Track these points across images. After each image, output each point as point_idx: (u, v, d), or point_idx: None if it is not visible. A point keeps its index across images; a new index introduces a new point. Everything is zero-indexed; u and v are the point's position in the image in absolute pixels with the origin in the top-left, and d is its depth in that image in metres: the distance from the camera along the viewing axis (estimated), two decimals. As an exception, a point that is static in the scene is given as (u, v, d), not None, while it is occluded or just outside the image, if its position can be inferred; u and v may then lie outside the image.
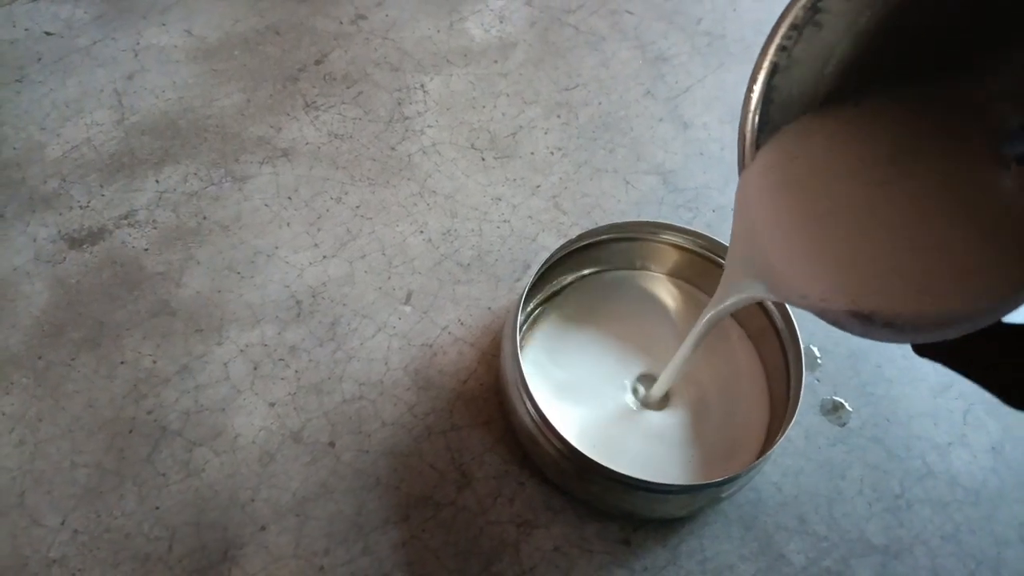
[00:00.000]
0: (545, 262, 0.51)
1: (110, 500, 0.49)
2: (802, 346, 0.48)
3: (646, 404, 0.51)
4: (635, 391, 0.52)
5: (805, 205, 0.26)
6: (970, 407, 0.56)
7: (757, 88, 0.28)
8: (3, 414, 0.52)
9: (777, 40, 0.26)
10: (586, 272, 0.56)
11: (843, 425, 0.55)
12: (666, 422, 0.51)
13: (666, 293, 0.56)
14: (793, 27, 0.26)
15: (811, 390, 0.56)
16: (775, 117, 0.29)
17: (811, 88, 0.28)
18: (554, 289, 0.56)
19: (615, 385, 0.52)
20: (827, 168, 0.26)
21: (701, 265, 0.55)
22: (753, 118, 0.29)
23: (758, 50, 0.29)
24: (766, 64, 0.27)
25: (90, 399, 0.53)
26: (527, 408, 0.47)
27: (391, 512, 0.49)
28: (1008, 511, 0.52)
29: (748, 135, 0.29)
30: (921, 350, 0.21)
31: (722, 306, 0.37)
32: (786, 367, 0.51)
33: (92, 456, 0.51)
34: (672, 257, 0.56)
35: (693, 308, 0.56)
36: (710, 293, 0.52)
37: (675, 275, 0.57)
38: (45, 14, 0.71)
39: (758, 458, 0.46)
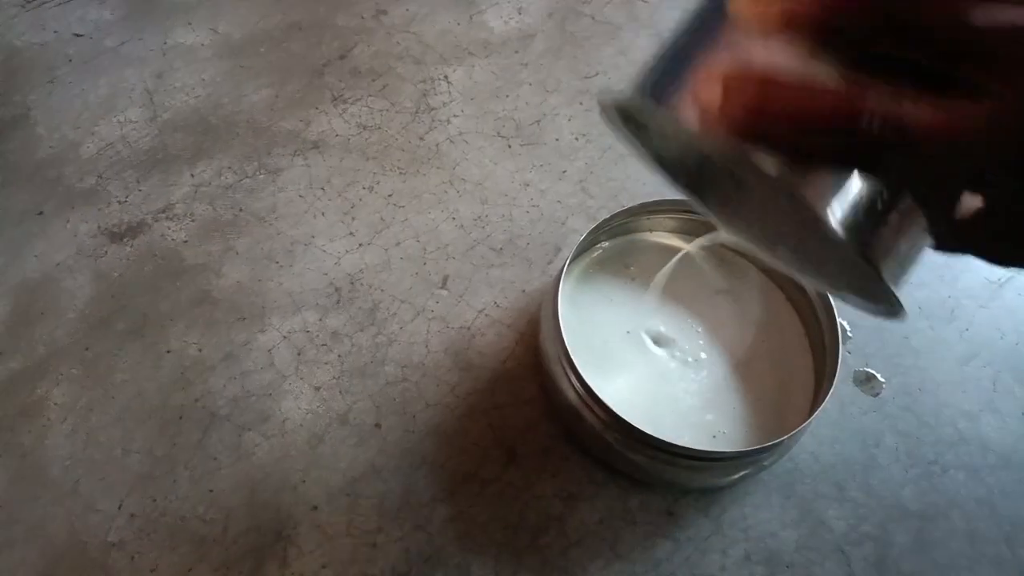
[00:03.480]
0: (579, 243, 0.52)
1: (164, 485, 0.50)
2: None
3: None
4: (672, 354, 0.53)
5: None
6: (997, 375, 0.57)
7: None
8: (55, 404, 0.53)
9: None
10: (607, 242, 0.57)
11: (876, 395, 0.56)
12: (705, 390, 0.52)
13: (695, 255, 0.57)
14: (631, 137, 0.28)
15: (843, 362, 0.57)
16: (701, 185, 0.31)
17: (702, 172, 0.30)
18: (582, 267, 0.57)
19: (652, 354, 0.53)
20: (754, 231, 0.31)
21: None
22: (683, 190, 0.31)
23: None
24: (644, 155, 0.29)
25: (138, 388, 0.54)
26: (571, 382, 0.48)
27: (439, 489, 0.51)
28: (1040, 473, 0.53)
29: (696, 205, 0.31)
30: (943, 249, 0.23)
31: None
32: (822, 340, 0.52)
33: (143, 443, 0.52)
34: (706, 229, 0.57)
35: (721, 268, 0.57)
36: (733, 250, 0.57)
37: (700, 235, 0.58)
38: (73, 16, 0.72)
39: (797, 426, 0.47)
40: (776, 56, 0.19)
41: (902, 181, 0.20)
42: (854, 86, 0.19)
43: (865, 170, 0.20)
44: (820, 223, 0.20)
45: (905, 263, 0.22)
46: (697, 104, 0.20)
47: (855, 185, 0.20)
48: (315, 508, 0.50)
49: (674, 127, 0.21)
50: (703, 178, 0.29)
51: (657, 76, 0.22)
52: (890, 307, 0.24)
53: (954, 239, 0.23)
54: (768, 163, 0.19)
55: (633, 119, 0.25)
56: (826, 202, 0.19)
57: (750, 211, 0.30)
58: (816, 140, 0.19)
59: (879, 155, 0.19)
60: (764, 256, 0.31)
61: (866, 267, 0.21)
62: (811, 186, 0.19)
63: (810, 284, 0.29)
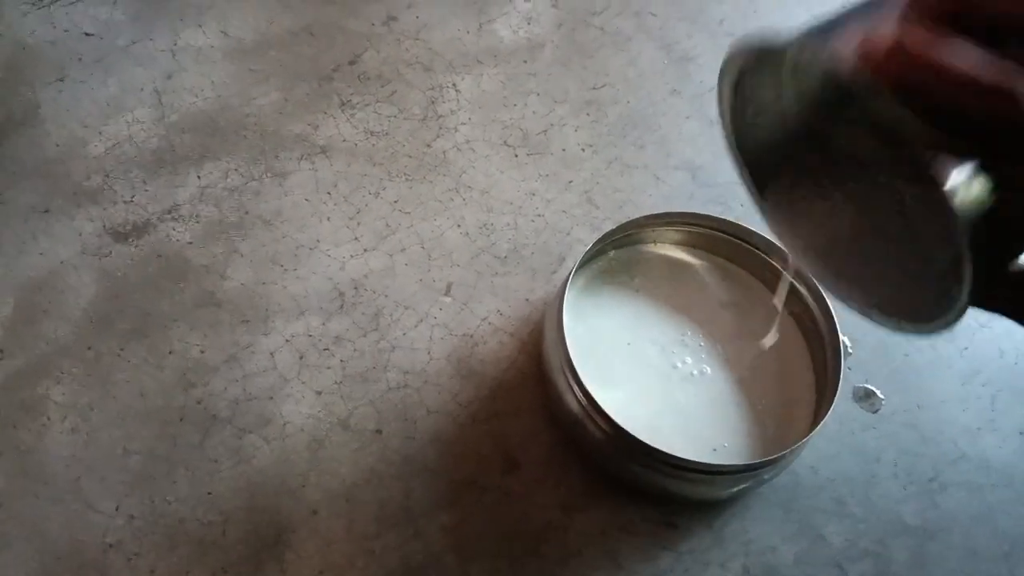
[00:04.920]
0: (584, 254, 0.52)
1: (163, 486, 0.50)
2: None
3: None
4: (675, 366, 0.53)
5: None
6: (997, 393, 0.57)
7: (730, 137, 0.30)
8: (55, 403, 0.53)
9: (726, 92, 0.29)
10: (612, 253, 0.57)
11: (875, 412, 0.56)
12: (707, 403, 0.52)
13: (698, 268, 0.58)
14: (733, 100, 0.28)
15: (844, 378, 0.57)
16: (769, 173, 0.31)
17: (790, 151, 0.30)
18: (586, 277, 0.57)
19: (655, 366, 0.53)
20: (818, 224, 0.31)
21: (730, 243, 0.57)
22: (745, 179, 0.31)
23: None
24: (730, 130, 0.30)
25: (140, 388, 0.54)
26: (574, 393, 0.48)
27: (439, 497, 0.51)
28: (1040, 493, 0.53)
29: (754, 196, 0.32)
30: (987, 300, 0.24)
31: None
32: (823, 355, 0.52)
33: (144, 443, 0.52)
34: (711, 242, 0.58)
35: (725, 281, 0.57)
36: (739, 264, 0.58)
37: (711, 251, 0.58)
38: (84, 15, 0.72)
39: (798, 441, 0.47)
40: (943, 34, 0.20)
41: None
42: (1012, 69, 0.19)
43: (992, 161, 0.20)
44: (942, 203, 0.19)
45: (968, 284, 0.22)
46: (862, 48, 0.20)
47: (980, 185, 0.20)
48: (314, 513, 0.50)
49: (827, 65, 0.21)
50: (781, 158, 0.29)
51: (819, 27, 0.22)
52: (943, 320, 0.23)
53: (1001, 288, 0.23)
54: (909, 123, 0.19)
55: (765, 65, 0.25)
56: (951, 183, 0.19)
57: (811, 203, 0.30)
58: (968, 110, 0.19)
59: (1016, 141, 0.19)
60: (797, 257, 0.31)
61: (958, 268, 0.20)
62: (943, 163, 0.19)
63: (836, 294, 0.29)
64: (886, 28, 0.21)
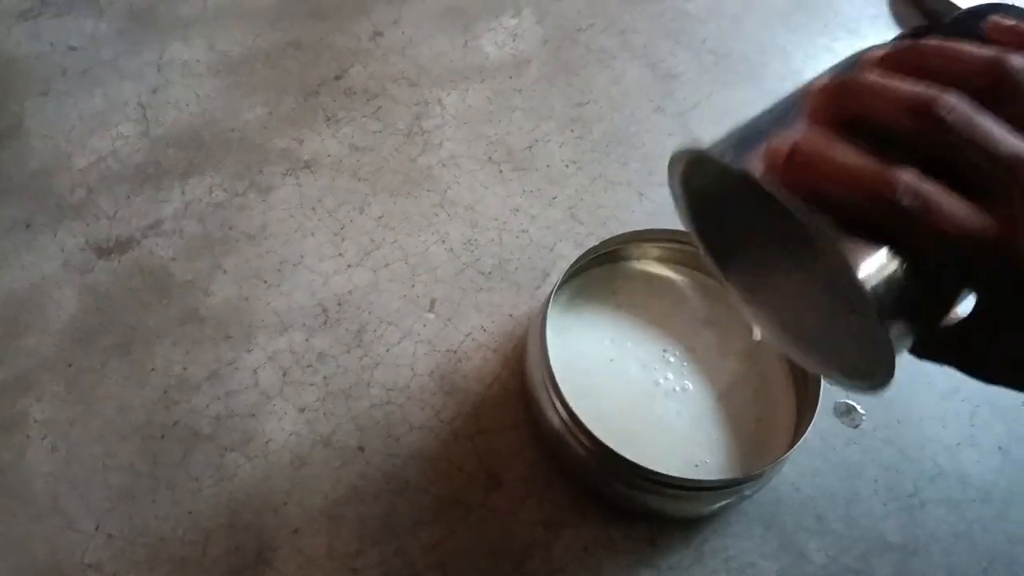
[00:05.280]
0: (567, 270, 0.52)
1: (144, 504, 0.50)
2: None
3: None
4: (656, 383, 0.53)
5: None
6: (976, 409, 0.58)
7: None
8: (36, 420, 0.52)
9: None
10: (595, 269, 0.58)
11: (856, 427, 0.56)
12: (688, 419, 0.52)
13: (680, 285, 0.58)
14: (685, 198, 0.32)
15: (824, 393, 0.57)
16: (731, 256, 0.35)
17: (743, 237, 0.34)
18: (570, 293, 0.57)
19: (637, 382, 0.53)
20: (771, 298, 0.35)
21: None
22: (710, 263, 0.35)
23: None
24: (690, 224, 0.33)
25: (122, 404, 0.53)
26: (557, 408, 0.48)
27: (422, 514, 0.50)
28: (1020, 509, 0.54)
29: (719, 276, 0.35)
30: (925, 353, 0.27)
31: None
32: (803, 371, 0.52)
33: (125, 460, 0.51)
34: (693, 259, 0.58)
35: (707, 298, 0.57)
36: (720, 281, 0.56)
37: (693, 268, 0.59)
38: (70, 28, 0.72)
39: (779, 456, 0.48)
40: (834, 139, 0.23)
41: (920, 261, 0.23)
42: (894, 165, 0.22)
43: (888, 240, 0.23)
44: (849, 278, 0.23)
45: (900, 343, 0.25)
46: (767, 157, 0.24)
47: (882, 259, 0.23)
48: (296, 531, 0.49)
49: (739, 172, 0.24)
50: (729, 233, 0.33)
51: (735, 139, 0.26)
52: (878, 379, 0.26)
53: (936, 342, 0.27)
54: (809, 217, 0.23)
55: (700, 166, 0.29)
56: (855, 261, 0.23)
57: (761, 275, 0.34)
58: (857, 200, 0.22)
59: (904, 228, 0.22)
60: (752, 322, 0.35)
61: (878, 330, 0.24)
62: (845, 245, 0.23)
63: (797, 359, 0.33)
64: (789, 134, 0.24)
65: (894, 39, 0.29)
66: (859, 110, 0.23)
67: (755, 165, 0.24)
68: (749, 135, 0.26)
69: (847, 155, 0.23)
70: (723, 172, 0.26)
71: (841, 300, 0.29)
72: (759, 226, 0.32)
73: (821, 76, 0.27)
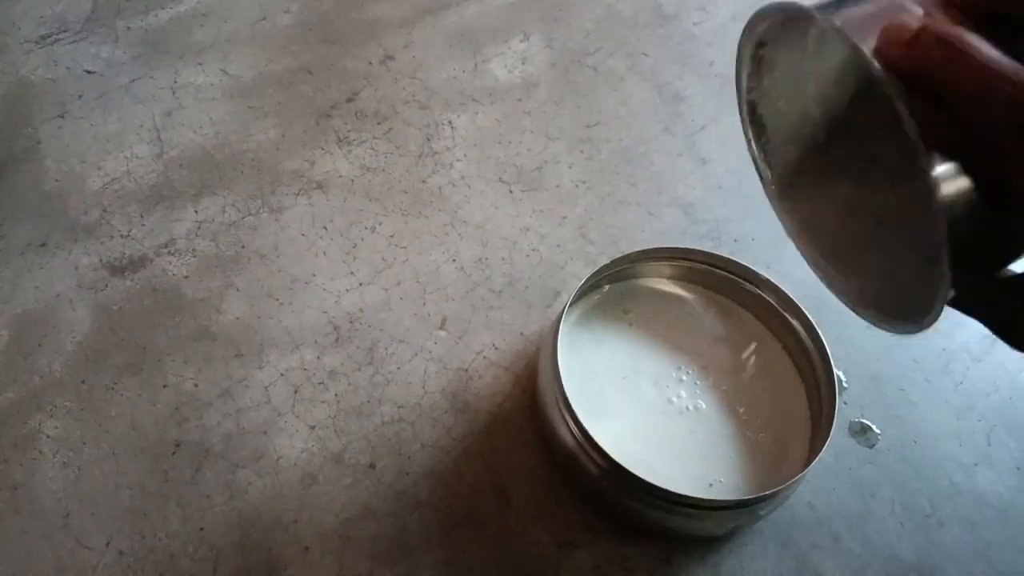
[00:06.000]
0: (579, 287, 0.52)
1: (155, 521, 0.50)
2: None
3: None
4: (670, 401, 0.53)
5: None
6: (992, 428, 0.57)
7: (744, 114, 0.31)
8: (48, 436, 0.52)
9: (744, 76, 0.29)
10: (606, 287, 0.58)
11: (872, 446, 0.56)
12: (702, 438, 0.52)
13: (692, 302, 0.58)
14: (752, 65, 0.29)
15: (839, 412, 0.57)
16: (777, 144, 0.32)
17: (801, 123, 0.31)
18: (581, 312, 0.57)
19: (650, 400, 0.53)
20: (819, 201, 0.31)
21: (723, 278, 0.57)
22: (752, 146, 0.32)
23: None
24: (744, 93, 0.30)
25: (133, 422, 0.53)
26: (569, 427, 0.48)
27: (433, 533, 0.50)
28: (1037, 529, 0.53)
29: (759, 165, 0.32)
30: (965, 300, 0.24)
31: None
32: (818, 390, 0.52)
33: (136, 478, 0.51)
34: (705, 276, 0.58)
35: (719, 315, 0.57)
36: (732, 299, 0.58)
37: (704, 285, 0.59)
38: (86, 53, 0.74)
39: (794, 475, 0.47)
40: (970, 29, 0.20)
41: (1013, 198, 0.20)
42: None
43: (993, 154, 0.20)
44: (929, 199, 0.20)
45: (953, 284, 0.22)
46: (886, 33, 0.20)
47: (966, 185, 0.20)
48: (307, 549, 0.49)
49: (846, 46, 0.21)
50: (791, 131, 0.30)
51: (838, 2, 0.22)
52: (922, 319, 0.24)
53: (981, 292, 0.23)
54: (914, 111, 0.20)
55: (789, 32, 0.25)
56: (939, 184, 0.20)
57: (814, 180, 0.30)
58: (987, 97, 0.19)
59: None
60: (794, 232, 0.31)
61: (940, 264, 0.21)
62: (935, 161, 0.20)
63: (826, 279, 0.30)
64: (911, 13, 0.21)
65: None
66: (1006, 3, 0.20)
67: (864, 40, 0.20)
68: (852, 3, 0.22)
69: (991, 53, 0.19)
70: (818, 44, 0.22)
71: (901, 225, 0.26)
72: (825, 123, 0.28)
73: None
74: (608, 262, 0.54)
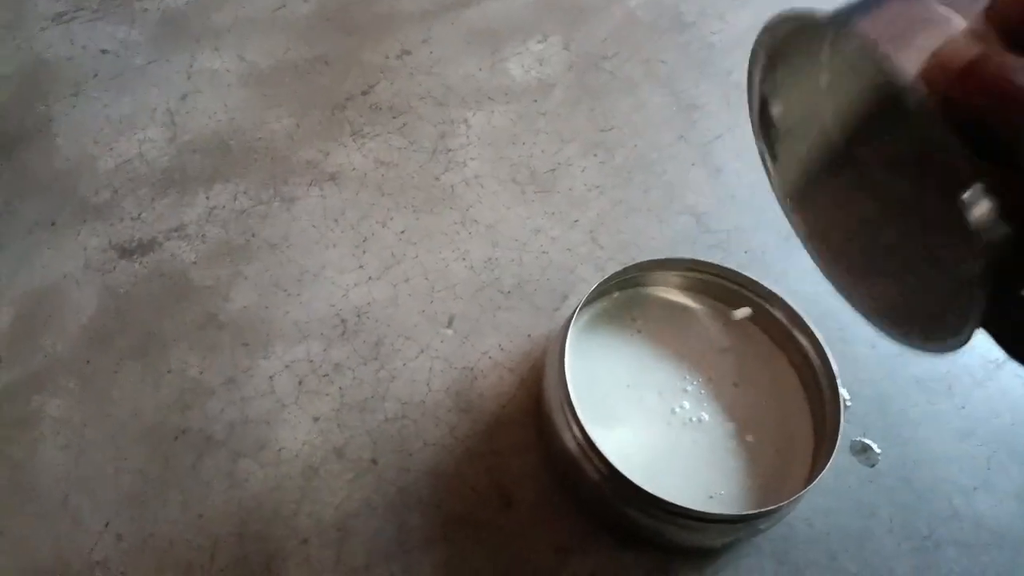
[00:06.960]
0: (589, 294, 0.52)
1: (154, 507, 0.49)
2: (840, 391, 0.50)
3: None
4: (674, 411, 0.53)
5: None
6: (993, 453, 0.58)
7: (754, 115, 0.30)
8: (51, 417, 0.52)
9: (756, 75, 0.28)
10: (615, 294, 0.58)
11: (872, 466, 0.56)
12: (704, 450, 0.52)
13: (699, 313, 0.58)
14: (765, 70, 0.27)
15: (841, 431, 0.57)
16: (791, 152, 0.31)
17: (817, 133, 0.30)
18: (589, 317, 0.57)
19: (654, 409, 0.53)
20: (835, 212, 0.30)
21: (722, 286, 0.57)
22: (765, 154, 0.31)
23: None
24: (756, 98, 0.29)
25: (136, 406, 0.53)
26: (572, 432, 0.48)
27: (432, 531, 0.50)
28: (1033, 556, 0.53)
29: (771, 174, 0.31)
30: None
31: None
32: (822, 407, 0.52)
33: (136, 462, 0.51)
34: (713, 288, 0.58)
35: (726, 327, 0.57)
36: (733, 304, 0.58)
37: (713, 296, 0.58)
38: (102, 33, 0.73)
39: (795, 492, 0.47)
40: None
41: None
42: None
43: None
44: (965, 223, 0.19)
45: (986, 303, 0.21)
46: (932, 65, 0.19)
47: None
48: (305, 541, 0.49)
49: (880, 67, 0.19)
50: (806, 142, 0.29)
51: (862, 4, 0.20)
52: (950, 340, 0.23)
53: (1003, 308, 0.22)
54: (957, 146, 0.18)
55: (803, 43, 0.24)
56: (979, 206, 0.19)
57: (835, 194, 0.29)
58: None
59: None
60: (810, 243, 0.30)
61: (974, 284, 0.20)
62: (975, 191, 0.18)
63: (842, 291, 0.29)
64: (956, 41, 0.19)
65: None
66: None
67: (903, 64, 0.19)
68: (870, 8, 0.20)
69: None
70: (832, 59, 0.21)
71: (931, 244, 0.25)
72: (845, 137, 0.27)
73: None
74: (619, 269, 0.54)
